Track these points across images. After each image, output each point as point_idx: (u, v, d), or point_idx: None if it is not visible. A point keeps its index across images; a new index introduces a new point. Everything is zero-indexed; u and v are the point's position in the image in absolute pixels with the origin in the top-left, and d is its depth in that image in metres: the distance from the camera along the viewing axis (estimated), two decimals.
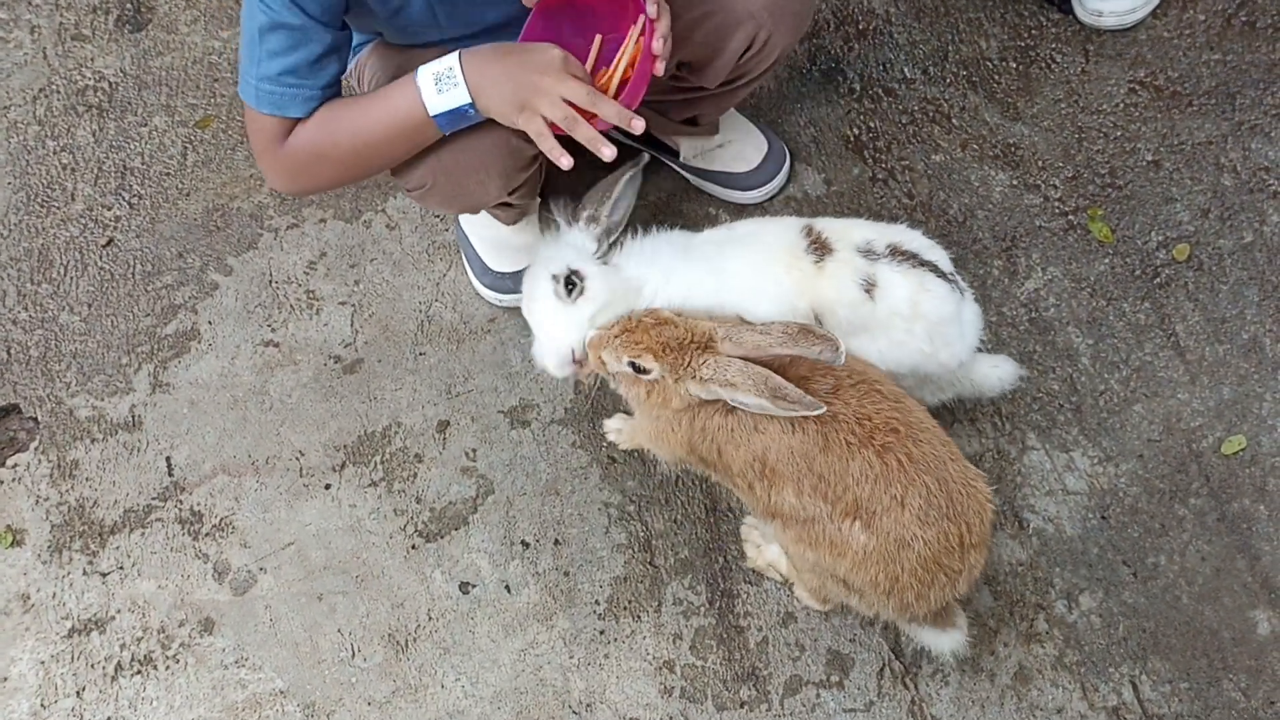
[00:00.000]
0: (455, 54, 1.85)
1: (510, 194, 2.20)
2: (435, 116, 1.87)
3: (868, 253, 2.01)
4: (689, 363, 1.84)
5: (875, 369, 1.95)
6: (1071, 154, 2.62)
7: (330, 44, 1.88)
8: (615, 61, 1.93)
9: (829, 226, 2.06)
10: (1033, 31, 2.76)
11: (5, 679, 2.23)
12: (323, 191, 2.65)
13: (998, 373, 2.21)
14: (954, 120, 2.69)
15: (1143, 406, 2.38)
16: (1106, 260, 2.52)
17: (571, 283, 1.95)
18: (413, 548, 2.33)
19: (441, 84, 1.85)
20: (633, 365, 1.87)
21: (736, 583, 2.27)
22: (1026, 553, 2.26)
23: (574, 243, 2.01)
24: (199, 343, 2.56)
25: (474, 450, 2.42)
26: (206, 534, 2.36)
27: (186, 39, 2.92)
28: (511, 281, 2.48)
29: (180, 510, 2.39)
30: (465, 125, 1.92)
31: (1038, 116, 2.67)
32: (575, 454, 2.40)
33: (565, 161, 1.85)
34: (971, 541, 1.88)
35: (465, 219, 2.55)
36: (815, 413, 1.78)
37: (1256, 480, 2.30)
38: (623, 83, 1.90)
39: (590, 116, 1.82)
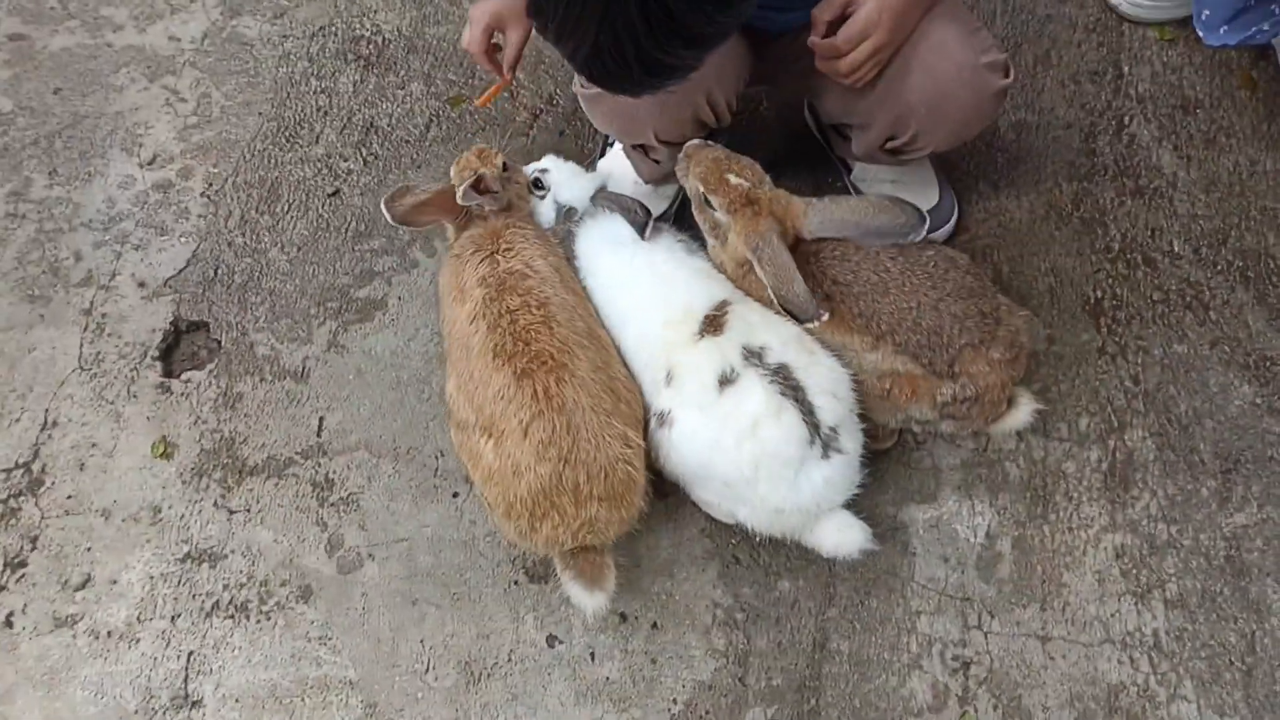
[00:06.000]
0: None
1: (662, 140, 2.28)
2: None
3: (750, 355, 1.95)
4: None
5: (574, 307, 2.06)
6: None
7: None
8: None
9: (746, 318, 2.01)
10: None
11: (114, 582, 2.33)
12: None
13: (841, 537, 2.03)
14: (1211, 312, 2.43)
15: None
16: None
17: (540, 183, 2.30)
18: (515, 583, 2.29)
19: None
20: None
21: None
22: None
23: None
24: (384, 314, 2.60)
25: None
26: (332, 504, 2.40)
27: (467, 14, 2.96)
28: None
29: (316, 473, 2.43)
30: None
31: None
32: (701, 541, 2.31)
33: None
34: (593, 493, 1.90)
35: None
36: None
37: None
38: None
39: None
